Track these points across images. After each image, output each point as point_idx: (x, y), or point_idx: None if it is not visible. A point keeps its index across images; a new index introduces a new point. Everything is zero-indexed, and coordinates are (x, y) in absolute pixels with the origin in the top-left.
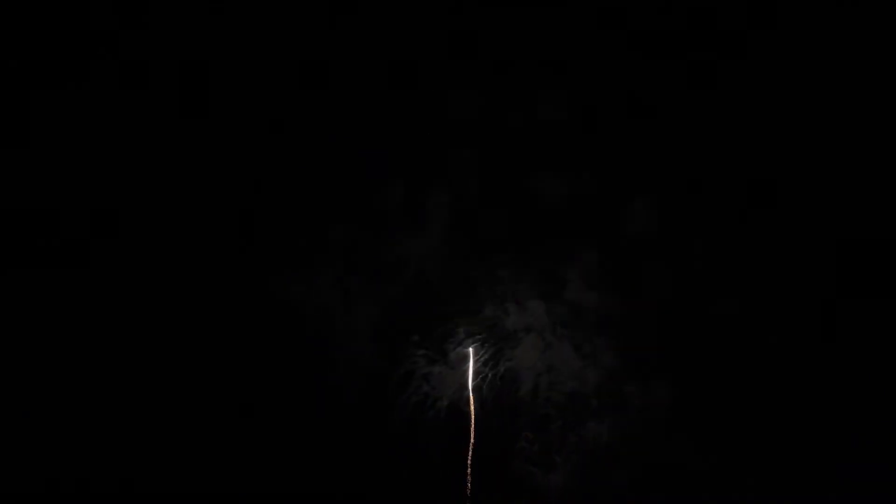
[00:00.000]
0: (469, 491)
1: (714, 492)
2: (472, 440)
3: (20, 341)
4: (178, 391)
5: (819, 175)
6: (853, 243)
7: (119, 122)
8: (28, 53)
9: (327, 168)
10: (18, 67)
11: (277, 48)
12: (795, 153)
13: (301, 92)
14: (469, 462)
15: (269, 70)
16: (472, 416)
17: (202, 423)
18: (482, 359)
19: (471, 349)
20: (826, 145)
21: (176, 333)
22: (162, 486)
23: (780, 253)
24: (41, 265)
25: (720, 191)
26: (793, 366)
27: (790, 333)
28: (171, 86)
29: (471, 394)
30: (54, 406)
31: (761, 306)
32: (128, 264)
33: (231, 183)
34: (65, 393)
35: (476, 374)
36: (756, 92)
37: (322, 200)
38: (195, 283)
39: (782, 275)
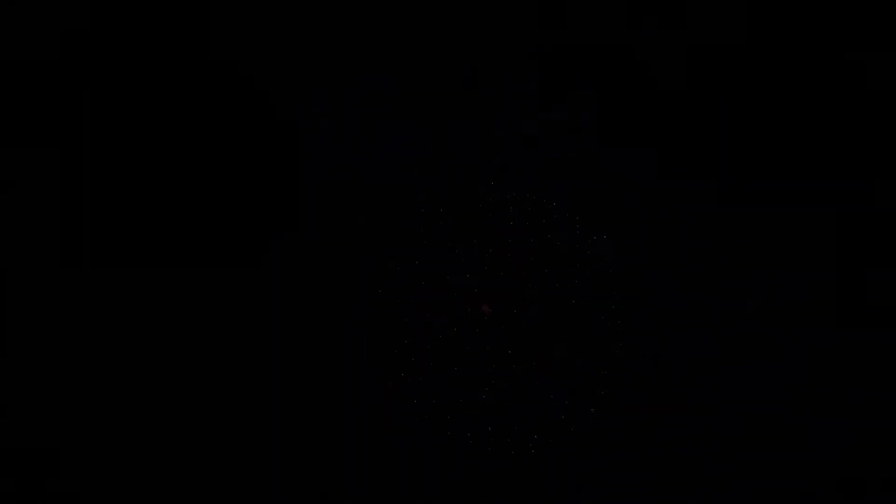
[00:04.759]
0: (479, 482)
1: (731, 489)
2: (487, 432)
3: None
4: (189, 384)
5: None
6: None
7: None
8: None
9: (353, 155)
10: None
11: (311, 43)
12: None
13: (315, 86)
14: (482, 454)
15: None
16: (486, 407)
17: (227, 413)
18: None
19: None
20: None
21: (189, 326)
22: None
23: (796, 243)
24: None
25: (736, 178)
26: (816, 358)
27: (810, 325)
28: None
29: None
30: None
31: (781, 298)
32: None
33: (250, 170)
34: None
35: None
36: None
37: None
38: (219, 273)
39: (800, 264)
